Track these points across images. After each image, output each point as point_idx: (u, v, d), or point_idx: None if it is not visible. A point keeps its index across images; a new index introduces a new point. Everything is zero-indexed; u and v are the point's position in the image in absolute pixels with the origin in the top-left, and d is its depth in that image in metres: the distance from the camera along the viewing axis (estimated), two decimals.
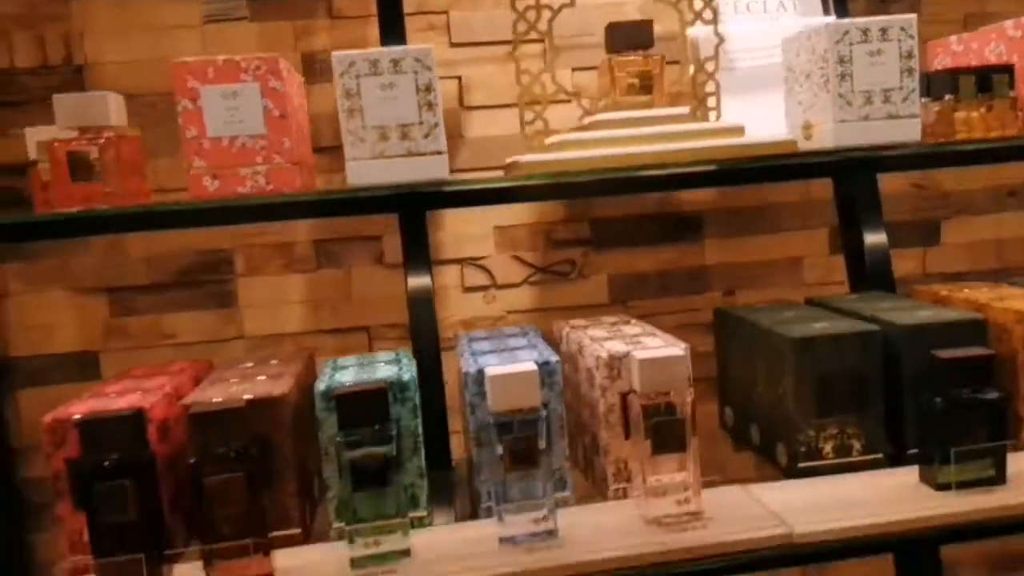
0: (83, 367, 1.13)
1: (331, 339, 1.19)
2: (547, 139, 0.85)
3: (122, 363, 1.13)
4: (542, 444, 0.72)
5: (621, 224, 1.24)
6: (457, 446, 1.00)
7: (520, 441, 0.71)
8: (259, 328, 1.17)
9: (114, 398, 0.76)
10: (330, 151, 1.12)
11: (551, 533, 0.72)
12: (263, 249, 1.16)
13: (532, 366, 0.72)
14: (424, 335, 0.96)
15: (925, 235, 1.32)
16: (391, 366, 0.81)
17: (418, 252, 0.97)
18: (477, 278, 1.22)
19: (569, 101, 0.91)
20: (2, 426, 1.11)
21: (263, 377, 0.80)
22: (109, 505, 0.66)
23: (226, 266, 1.15)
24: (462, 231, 1.20)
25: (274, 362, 0.88)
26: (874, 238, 1.07)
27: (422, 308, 0.95)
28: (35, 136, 0.73)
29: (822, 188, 1.26)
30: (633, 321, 0.95)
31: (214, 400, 0.70)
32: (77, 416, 0.69)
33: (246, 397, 0.71)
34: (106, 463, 0.66)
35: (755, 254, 1.27)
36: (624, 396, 0.79)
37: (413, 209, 0.89)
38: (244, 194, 0.72)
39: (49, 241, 1.10)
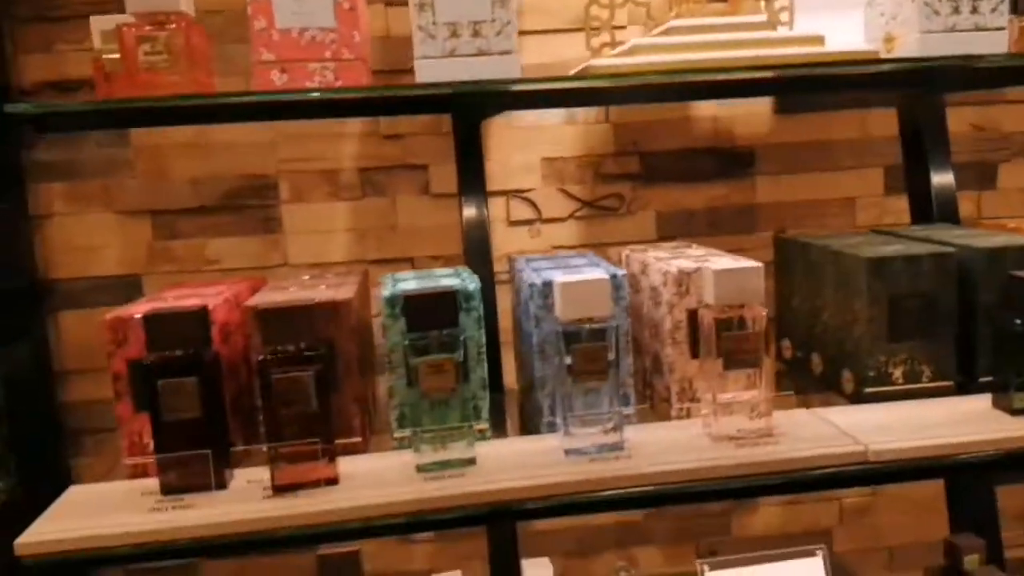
0: (125, 290, 1.11)
1: (375, 269, 1.16)
2: (617, 48, 0.81)
3: (165, 287, 1.12)
4: (611, 355, 0.70)
5: (672, 158, 1.21)
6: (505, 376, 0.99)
7: (589, 351, 0.69)
8: (304, 256, 1.15)
9: (173, 302, 0.74)
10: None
11: (617, 446, 0.71)
12: (308, 176, 1.14)
13: (604, 274, 0.70)
14: (478, 257, 0.93)
15: (982, 177, 1.28)
16: (452, 278, 0.79)
17: (473, 174, 0.94)
18: (522, 211, 1.19)
19: (623, 27, 0.87)
20: (43, 349, 1.10)
21: (323, 287, 0.79)
22: (174, 402, 0.65)
23: (271, 192, 1.13)
24: (509, 162, 1.17)
25: (330, 276, 0.86)
26: (941, 176, 1.04)
27: (476, 231, 0.93)
28: (100, 25, 0.70)
29: (880, 125, 1.22)
30: (694, 245, 0.93)
31: (276, 301, 0.68)
32: (140, 314, 0.68)
33: (309, 299, 0.69)
34: (171, 359, 0.65)
35: (808, 192, 1.24)
36: (693, 312, 0.77)
37: (483, 108, 0.85)
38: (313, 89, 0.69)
39: (93, 159, 1.08)
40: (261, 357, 0.65)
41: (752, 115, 1.23)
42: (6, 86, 1.05)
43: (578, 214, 1.20)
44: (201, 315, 0.66)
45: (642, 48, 0.78)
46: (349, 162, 1.15)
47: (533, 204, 1.19)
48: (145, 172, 1.10)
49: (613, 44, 0.85)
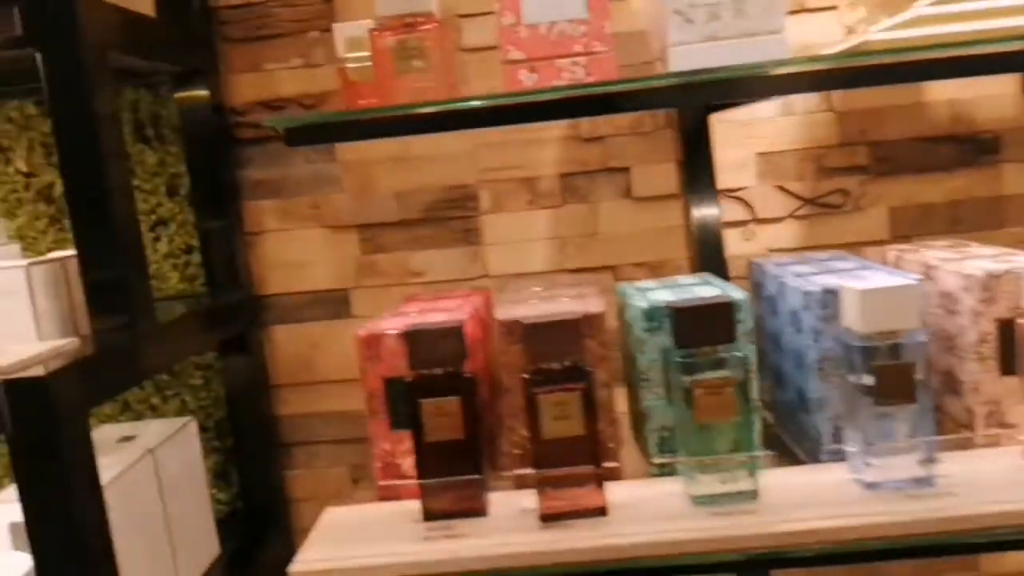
0: (334, 305, 1.12)
1: (575, 278, 1.11)
2: (888, 22, 0.71)
3: (372, 301, 1.11)
4: (919, 375, 0.60)
5: (905, 147, 1.08)
6: None
7: (895, 370, 0.60)
8: (503, 266, 1.11)
9: (419, 317, 0.71)
10: None
11: (929, 481, 0.60)
12: (508, 184, 1.10)
13: (913, 280, 0.60)
14: (710, 263, 0.86)
15: None
16: (705, 287, 0.71)
17: (701, 172, 0.86)
18: (734, 212, 1.10)
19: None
20: (259, 363, 1.12)
21: (565, 299, 0.73)
22: (437, 423, 0.61)
23: (471, 202, 1.10)
24: (720, 159, 1.08)
25: (562, 287, 0.81)
26: None
27: (707, 234, 0.85)
28: (345, 33, 0.69)
29: None
30: (973, 244, 0.80)
31: (540, 314, 0.63)
32: (394, 330, 0.65)
33: (576, 311, 0.63)
34: (433, 378, 0.62)
35: None
36: (1005, 323, 0.65)
37: (753, 95, 0.76)
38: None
39: (302, 176, 1.10)
40: (526, 375, 0.60)
41: (995, 97, 1.08)
42: (220, 106, 1.08)
43: (798, 213, 1.09)
44: (458, 331, 0.62)
45: (927, 19, 0.68)
46: (549, 168, 1.10)
47: (747, 204, 1.09)
48: (352, 187, 1.10)
49: (870, 22, 0.75)
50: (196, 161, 1.06)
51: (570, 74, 0.65)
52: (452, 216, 1.11)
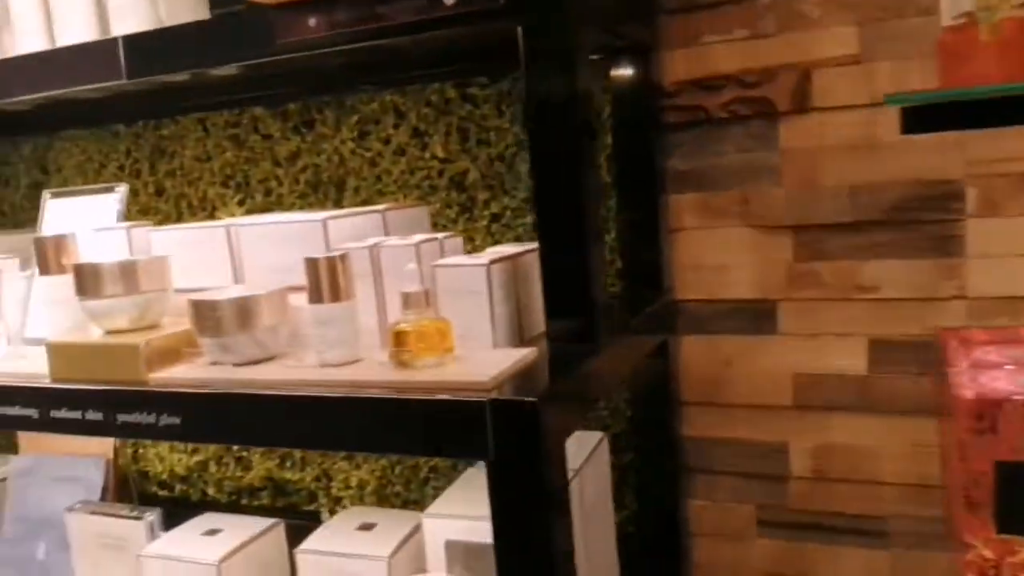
0: (757, 318, 0.96)
1: None
2: None
3: (803, 317, 0.94)
4: None
5: None
6: None
7: None
8: (988, 287, 0.87)
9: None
10: None
11: None
12: (1008, 180, 0.86)
13: None
14: None
15: None
16: None
17: None
18: None
19: None
20: (672, 376, 1.00)
21: None
22: None
23: (954, 202, 0.88)
24: None
25: None
26: None
27: None
28: None
29: None
30: None
31: None
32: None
33: None
34: None
35: None
36: None
37: None
38: None
39: (732, 167, 0.95)
40: None
41: None
42: (655, 85, 0.96)
43: None
44: None
45: None
46: None
47: None
48: (792, 180, 0.93)
49: None
50: (622, 148, 0.95)
51: None
52: (924, 219, 0.89)
